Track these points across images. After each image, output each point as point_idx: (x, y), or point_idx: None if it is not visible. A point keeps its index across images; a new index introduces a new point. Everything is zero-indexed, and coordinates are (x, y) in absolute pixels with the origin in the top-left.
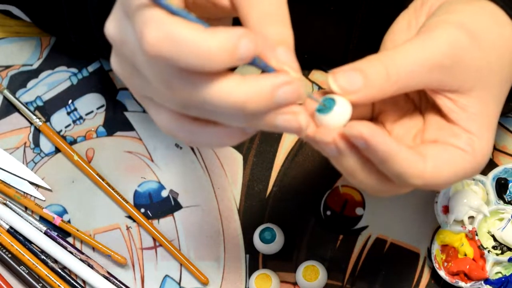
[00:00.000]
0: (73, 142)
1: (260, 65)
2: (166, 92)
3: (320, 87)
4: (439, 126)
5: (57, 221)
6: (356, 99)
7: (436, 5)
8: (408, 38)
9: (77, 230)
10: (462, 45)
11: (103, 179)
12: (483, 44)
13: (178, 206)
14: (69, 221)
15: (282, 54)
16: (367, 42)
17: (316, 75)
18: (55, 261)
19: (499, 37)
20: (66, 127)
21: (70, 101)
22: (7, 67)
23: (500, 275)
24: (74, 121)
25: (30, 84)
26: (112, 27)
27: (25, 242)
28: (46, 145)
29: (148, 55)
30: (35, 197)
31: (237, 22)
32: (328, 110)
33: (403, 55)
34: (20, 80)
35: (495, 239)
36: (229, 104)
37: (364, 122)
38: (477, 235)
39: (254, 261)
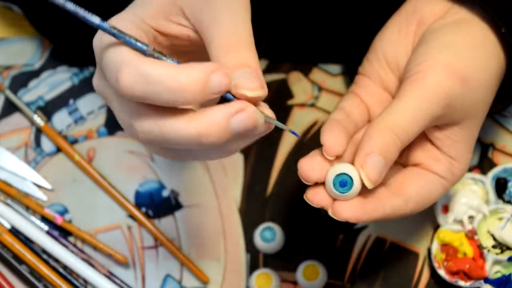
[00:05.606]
0: (74, 142)
1: (228, 97)
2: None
3: (320, 87)
4: (423, 147)
5: (59, 220)
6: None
7: (428, 20)
8: (399, 45)
9: (78, 230)
10: (455, 93)
11: (104, 179)
12: (471, 84)
13: (179, 206)
14: (70, 221)
15: (240, 78)
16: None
17: (316, 74)
18: (57, 261)
19: (485, 72)
20: (67, 127)
21: (71, 101)
22: (9, 67)
23: (499, 274)
24: (75, 121)
25: (32, 84)
26: (96, 85)
27: (27, 241)
28: (47, 145)
29: (124, 95)
30: (36, 197)
31: None
32: (348, 188)
33: (407, 118)
34: (22, 80)
35: (494, 239)
36: (184, 140)
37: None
38: (476, 234)
39: (255, 260)
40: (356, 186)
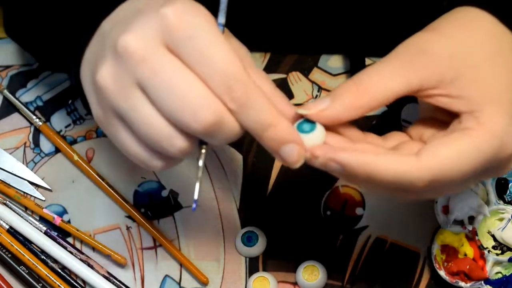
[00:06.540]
0: (73, 142)
1: None
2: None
3: (320, 87)
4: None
5: (57, 221)
6: (326, 118)
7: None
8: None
9: (77, 230)
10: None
11: (103, 179)
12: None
13: (178, 206)
14: (69, 221)
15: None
16: None
17: (316, 74)
18: (55, 261)
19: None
20: (66, 127)
21: (70, 101)
22: (7, 67)
23: (500, 275)
24: (74, 121)
25: (30, 84)
26: (109, 79)
27: (25, 242)
28: (46, 145)
29: (197, 131)
30: (35, 197)
31: None
32: (310, 130)
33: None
34: (20, 80)
35: (495, 239)
36: None
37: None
38: (477, 235)
39: (254, 261)
40: (319, 129)
